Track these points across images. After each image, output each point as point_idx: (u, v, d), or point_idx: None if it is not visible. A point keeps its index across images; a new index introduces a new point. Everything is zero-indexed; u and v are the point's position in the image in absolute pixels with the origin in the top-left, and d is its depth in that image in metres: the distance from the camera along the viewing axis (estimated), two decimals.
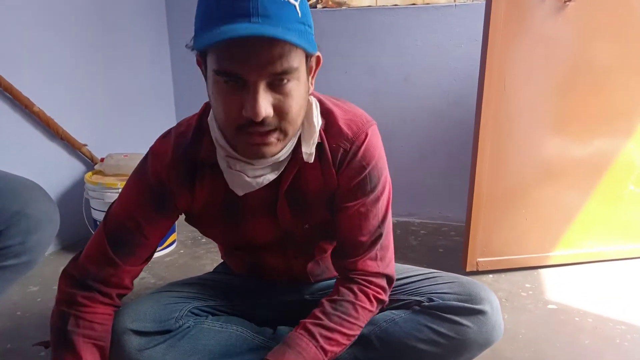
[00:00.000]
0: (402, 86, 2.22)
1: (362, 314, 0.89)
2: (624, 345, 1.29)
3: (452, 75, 2.14)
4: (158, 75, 2.46)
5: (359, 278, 0.91)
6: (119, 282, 0.89)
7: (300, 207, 0.94)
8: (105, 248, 0.88)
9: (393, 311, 0.98)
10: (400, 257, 1.16)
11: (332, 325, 0.86)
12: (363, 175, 0.89)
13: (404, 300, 0.99)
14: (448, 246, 2.03)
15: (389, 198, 0.94)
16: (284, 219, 0.94)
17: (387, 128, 2.25)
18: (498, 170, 1.65)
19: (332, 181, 0.90)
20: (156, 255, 1.90)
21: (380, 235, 0.92)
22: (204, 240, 2.10)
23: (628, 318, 1.42)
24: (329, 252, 1.07)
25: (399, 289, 1.02)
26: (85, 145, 2.00)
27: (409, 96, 2.22)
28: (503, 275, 1.73)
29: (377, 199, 0.91)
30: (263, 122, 0.73)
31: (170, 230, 0.94)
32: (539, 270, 1.76)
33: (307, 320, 0.87)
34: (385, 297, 0.93)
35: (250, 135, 0.75)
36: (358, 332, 0.89)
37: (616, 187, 1.75)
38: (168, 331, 0.92)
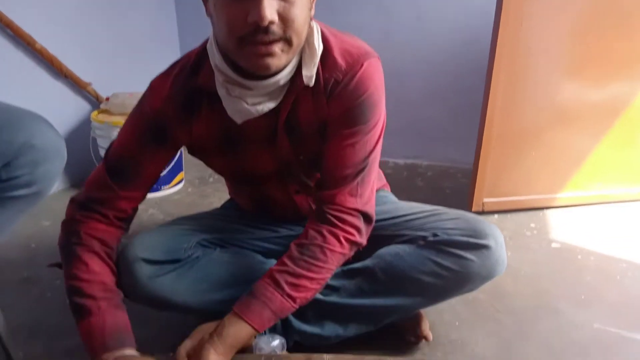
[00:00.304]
0: (415, 24, 2.14)
1: (330, 257, 0.86)
2: (624, 281, 1.31)
3: (466, 12, 2.05)
4: (162, 16, 2.39)
5: (332, 214, 0.87)
6: (116, 206, 0.90)
7: (297, 137, 0.93)
8: (104, 177, 0.90)
9: (398, 245, 0.99)
10: (406, 198, 1.16)
11: (298, 270, 0.84)
12: (354, 105, 0.86)
13: (409, 235, 1.00)
14: (454, 188, 2.04)
15: (380, 135, 0.91)
16: (282, 149, 0.93)
17: (398, 67, 2.20)
18: (510, 111, 1.62)
19: (322, 111, 0.89)
20: (164, 193, 1.93)
21: (363, 170, 0.89)
22: (211, 179, 2.12)
23: (630, 256, 1.44)
24: None
25: (405, 225, 1.03)
26: (90, 84, 1.97)
27: (422, 34, 2.14)
28: (508, 215, 1.74)
29: (367, 133, 0.88)
30: (267, 30, 0.72)
31: (170, 163, 0.95)
32: (545, 211, 1.77)
33: (274, 267, 0.86)
34: (358, 239, 0.89)
35: (254, 45, 0.74)
36: (328, 276, 0.87)
37: (630, 131, 1.72)
38: (177, 260, 0.94)
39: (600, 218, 1.72)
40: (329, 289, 0.99)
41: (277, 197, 1.05)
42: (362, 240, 0.91)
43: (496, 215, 1.72)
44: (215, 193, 1.95)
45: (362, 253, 1.01)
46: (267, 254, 1.08)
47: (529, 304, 1.20)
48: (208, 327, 0.93)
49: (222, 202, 1.25)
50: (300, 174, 0.99)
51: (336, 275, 1.02)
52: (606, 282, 1.31)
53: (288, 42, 0.76)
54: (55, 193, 1.93)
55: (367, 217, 0.91)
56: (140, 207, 1.81)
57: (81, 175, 2.05)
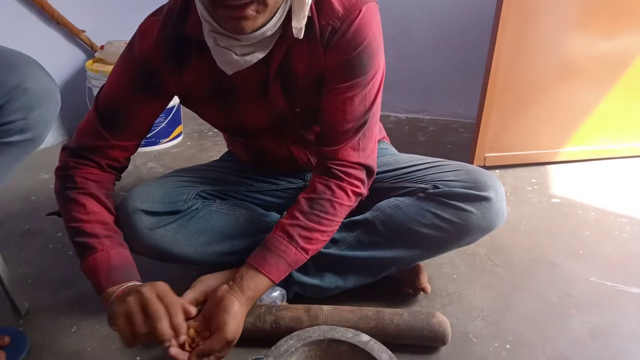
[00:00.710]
0: None
1: (339, 210, 0.88)
2: (622, 236, 1.32)
3: None
4: None
5: (337, 169, 0.87)
6: (109, 154, 0.89)
7: (291, 89, 0.90)
8: (95, 124, 0.88)
9: (398, 198, 0.99)
10: (408, 152, 1.14)
11: (310, 224, 0.85)
12: (352, 55, 0.83)
13: (409, 187, 0.99)
14: (457, 142, 2.02)
15: (380, 85, 0.89)
16: (275, 102, 0.91)
17: (401, 17, 2.12)
18: (515, 63, 1.57)
19: (319, 62, 0.86)
20: (163, 146, 1.91)
21: (365, 123, 0.87)
22: (210, 133, 2.10)
23: (630, 212, 1.44)
24: None
25: (405, 177, 1.02)
26: (84, 31, 1.91)
27: None
28: (510, 170, 1.73)
29: (367, 84, 0.86)
30: None
31: (161, 113, 0.92)
32: (547, 166, 1.76)
33: (285, 220, 0.86)
34: (363, 190, 0.90)
35: (227, 9, 0.72)
36: (336, 228, 0.89)
37: (636, 85, 1.69)
38: (177, 212, 0.94)
39: (602, 174, 1.72)
40: (329, 241, 1.00)
41: (274, 149, 1.04)
42: (365, 192, 0.91)
43: (498, 170, 1.71)
44: (214, 147, 1.93)
45: (361, 205, 1.01)
46: (267, 206, 1.08)
47: (526, 258, 1.21)
48: (209, 278, 0.95)
49: (221, 155, 1.24)
50: (296, 127, 0.97)
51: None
52: (604, 237, 1.31)
53: (262, 2, 0.72)
54: (54, 145, 1.91)
55: (369, 170, 0.91)
56: (139, 160, 1.81)
57: (57, 162, 2.02)
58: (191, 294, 0.90)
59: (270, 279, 0.83)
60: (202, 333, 0.79)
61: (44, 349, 0.90)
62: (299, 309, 0.92)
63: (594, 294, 1.08)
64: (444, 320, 0.90)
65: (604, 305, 1.04)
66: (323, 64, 0.85)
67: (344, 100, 0.85)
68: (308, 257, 0.87)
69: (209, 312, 0.81)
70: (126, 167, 0.94)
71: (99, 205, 0.86)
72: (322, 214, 0.86)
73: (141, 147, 1.89)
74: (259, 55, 0.82)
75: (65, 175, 0.88)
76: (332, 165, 0.88)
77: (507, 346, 0.92)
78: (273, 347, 0.75)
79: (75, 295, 1.05)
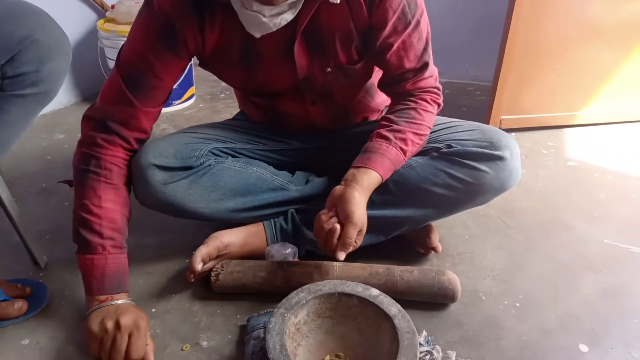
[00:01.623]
0: None
1: (426, 116, 0.93)
2: (638, 200, 1.30)
3: None
4: None
5: (412, 94, 0.95)
6: (137, 125, 0.88)
7: (321, 49, 0.89)
8: (121, 88, 0.86)
9: (411, 157, 0.98)
10: None
11: (402, 127, 0.90)
12: (400, 6, 0.86)
13: (423, 147, 0.98)
14: (472, 105, 1.98)
15: (425, 15, 0.93)
16: (302, 62, 0.90)
17: None
18: (536, 23, 1.52)
19: (361, 19, 0.87)
20: (176, 108, 1.91)
21: (427, 56, 0.93)
22: (222, 95, 2.08)
23: None
24: (348, 99, 1.04)
25: None
26: None
27: None
28: (526, 133, 1.70)
29: (418, 23, 0.90)
30: None
31: (184, 73, 0.91)
32: (564, 129, 1.73)
33: (377, 130, 0.91)
34: (441, 100, 0.98)
35: None
36: (427, 133, 0.94)
37: None
38: (190, 167, 0.94)
39: (621, 137, 1.68)
40: None
41: (292, 110, 1.03)
42: (441, 104, 0.99)
43: (513, 133, 1.68)
44: (226, 109, 1.93)
45: None
46: (279, 165, 1.07)
47: (539, 220, 1.20)
48: (221, 234, 0.96)
49: (234, 115, 1.23)
50: (322, 87, 0.96)
51: None
52: (620, 200, 1.29)
53: None
54: (68, 106, 1.93)
55: (439, 89, 0.98)
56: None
57: (92, 87, 2.03)
58: (204, 249, 0.91)
59: (379, 174, 0.87)
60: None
61: (63, 299, 0.93)
62: (310, 265, 0.93)
63: (607, 256, 1.07)
64: (453, 277, 0.91)
65: (616, 266, 1.03)
66: (367, 22, 0.87)
67: (404, 46, 0.90)
68: (406, 158, 0.91)
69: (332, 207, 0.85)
70: (149, 137, 0.94)
71: (117, 198, 0.86)
72: (410, 119, 0.92)
73: None
74: (288, 17, 0.81)
75: (89, 155, 0.86)
76: (408, 94, 0.95)
77: (517, 304, 0.93)
78: (284, 299, 0.76)
79: None
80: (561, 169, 1.47)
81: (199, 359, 0.80)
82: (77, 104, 1.95)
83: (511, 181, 0.94)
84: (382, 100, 1.13)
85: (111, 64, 1.86)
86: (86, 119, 0.90)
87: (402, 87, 0.95)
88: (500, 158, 0.92)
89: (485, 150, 0.92)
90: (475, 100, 2.04)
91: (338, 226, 0.81)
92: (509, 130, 1.67)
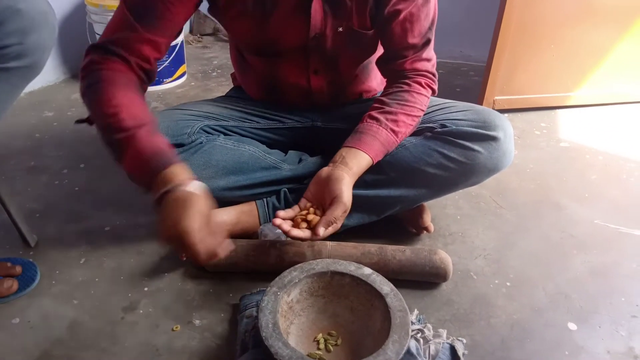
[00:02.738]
0: None
1: (418, 99, 0.93)
2: (629, 180, 1.31)
3: None
4: None
5: (408, 75, 0.94)
6: (139, 50, 0.81)
7: (337, 6, 0.89)
8: (125, 15, 0.81)
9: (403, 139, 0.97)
10: None
11: (394, 109, 0.90)
12: None
13: (416, 128, 0.98)
14: (466, 86, 1.97)
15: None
16: (316, 18, 0.89)
17: None
18: (531, 4, 1.51)
19: None
20: (167, 86, 1.88)
21: (430, 36, 0.93)
22: (214, 74, 2.06)
23: (639, 157, 1.42)
24: (350, 71, 1.03)
25: None
26: None
27: None
28: (519, 114, 1.69)
29: (428, 0, 0.90)
30: None
31: (194, 12, 0.87)
32: (557, 110, 1.73)
33: (369, 112, 0.91)
34: (435, 86, 0.97)
35: None
36: (419, 115, 0.94)
37: None
38: (181, 145, 0.93)
39: (614, 119, 1.68)
40: None
41: (292, 78, 1.01)
42: (436, 88, 0.98)
43: (507, 114, 1.68)
44: (218, 87, 1.90)
45: None
46: (271, 144, 1.07)
47: (531, 200, 1.21)
48: (213, 213, 0.95)
49: (227, 92, 1.21)
50: (329, 49, 0.95)
51: None
52: (611, 181, 1.30)
53: None
54: (56, 83, 1.89)
55: (435, 76, 0.98)
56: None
57: (80, 65, 1.98)
58: None
59: (369, 156, 0.87)
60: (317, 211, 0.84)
61: (54, 278, 0.92)
62: (303, 245, 0.93)
63: (597, 236, 1.08)
64: (445, 257, 0.91)
65: (606, 246, 1.05)
66: None
67: (411, 18, 0.90)
68: (398, 140, 0.91)
69: (317, 193, 0.85)
70: (154, 74, 0.87)
71: (128, 95, 0.78)
72: (403, 102, 0.92)
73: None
74: None
75: (89, 74, 0.80)
76: (403, 75, 0.94)
77: (508, 283, 0.94)
78: (277, 278, 0.76)
79: (83, 230, 1.06)
80: (553, 149, 1.47)
81: (192, 337, 0.80)
82: (65, 81, 1.91)
83: (504, 161, 0.94)
84: (378, 82, 1.12)
85: None
86: (87, 50, 0.83)
87: (400, 64, 0.94)
88: (493, 138, 0.91)
89: (479, 131, 0.91)
90: (469, 80, 2.03)
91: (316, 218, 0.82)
92: (502, 111, 1.67)
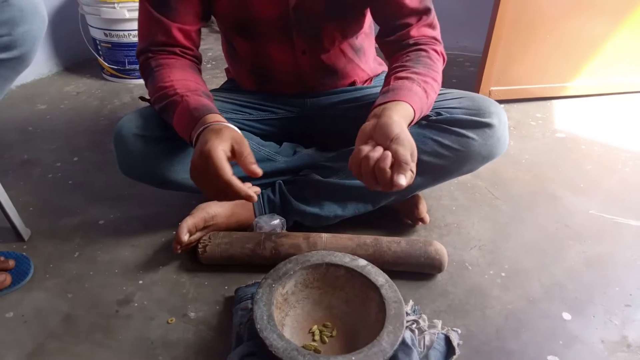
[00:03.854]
0: None
1: (436, 63, 0.88)
2: (624, 171, 1.31)
3: None
4: None
5: (421, 42, 0.90)
6: (178, 41, 0.90)
7: None
8: (149, 12, 0.88)
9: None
10: None
11: (421, 71, 0.84)
12: None
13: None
14: (462, 77, 1.96)
15: None
16: None
17: None
18: None
19: None
20: None
21: (429, 6, 0.91)
22: (209, 65, 2.04)
23: (634, 147, 1.42)
24: (340, 49, 1.02)
25: None
26: None
27: None
28: (515, 105, 1.69)
29: None
30: None
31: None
32: (553, 101, 1.72)
33: (394, 75, 0.84)
34: (445, 55, 0.93)
35: None
36: (440, 83, 0.88)
37: None
38: (174, 138, 0.91)
39: (610, 109, 1.68)
40: (328, 170, 0.99)
41: (280, 62, 1.00)
42: (446, 59, 0.94)
43: (503, 105, 1.66)
44: (212, 79, 1.89)
45: None
46: (265, 136, 1.06)
47: (526, 191, 1.21)
48: (208, 205, 0.95)
49: (221, 85, 1.20)
50: (312, 24, 0.94)
51: (335, 158, 1.01)
52: (606, 171, 1.30)
53: None
54: (49, 76, 1.87)
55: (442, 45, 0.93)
56: (137, 92, 1.77)
57: (73, 56, 1.97)
58: (191, 220, 0.91)
59: (411, 105, 0.76)
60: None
61: (47, 272, 0.92)
62: (298, 237, 0.92)
63: (592, 226, 1.08)
64: (440, 248, 0.91)
65: (601, 236, 1.05)
66: None
67: None
68: (428, 101, 0.82)
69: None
70: (201, 58, 0.96)
71: (185, 73, 0.87)
72: (428, 66, 0.86)
73: (139, 78, 1.86)
74: None
75: (147, 67, 0.89)
76: (414, 43, 0.90)
77: (502, 274, 0.94)
78: (272, 270, 0.76)
79: (77, 223, 1.06)
80: (549, 140, 1.47)
81: (187, 330, 0.80)
82: (58, 74, 1.90)
83: (499, 148, 0.94)
84: (371, 67, 1.11)
85: (94, 32, 1.80)
86: (138, 55, 0.93)
87: (406, 34, 0.90)
88: (488, 125, 0.91)
89: (474, 118, 0.91)
90: (464, 71, 2.02)
91: (389, 153, 0.67)
92: (498, 102, 1.65)
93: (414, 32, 0.90)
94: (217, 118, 0.79)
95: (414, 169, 0.68)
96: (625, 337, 0.80)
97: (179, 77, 0.86)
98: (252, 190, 0.73)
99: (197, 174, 0.74)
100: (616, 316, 0.84)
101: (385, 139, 0.69)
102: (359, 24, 1.01)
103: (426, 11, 0.91)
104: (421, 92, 0.80)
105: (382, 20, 0.94)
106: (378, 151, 0.68)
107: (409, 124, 0.76)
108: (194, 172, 0.74)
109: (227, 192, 0.72)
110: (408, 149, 0.68)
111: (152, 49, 0.90)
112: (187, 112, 0.80)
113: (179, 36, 0.90)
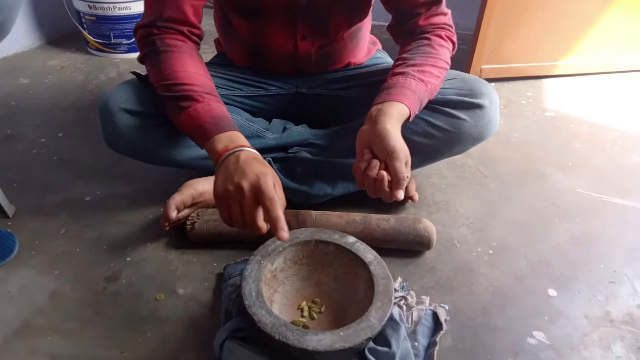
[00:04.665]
0: None
1: (440, 50, 0.89)
2: (613, 150, 1.32)
3: None
4: None
5: (427, 30, 0.91)
6: (185, 19, 0.85)
7: None
8: None
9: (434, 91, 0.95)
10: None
11: (418, 61, 0.85)
12: None
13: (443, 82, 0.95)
14: (453, 55, 1.94)
15: None
16: None
17: None
18: None
19: None
20: None
21: None
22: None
23: (623, 126, 1.43)
24: (339, 36, 1.00)
25: None
26: None
27: None
28: (506, 83, 1.68)
29: None
30: None
31: None
32: (544, 80, 1.72)
33: (392, 70, 0.86)
34: (455, 38, 0.94)
35: None
36: (445, 67, 0.89)
37: None
38: (161, 112, 0.90)
39: (600, 88, 1.68)
40: (318, 148, 0.98)
41: (278, 44, 0.98)
42: (456, 42, 0.95)
43: (493, 83, 1.67)
44: (202, 55, 1.84)
45: (353, 113, 0.98)
46: (255, 113, 1.04)
47: (515, 169, 1.22)
48: (196, 182, 0.94)
49: (210, 58, 1.18)
50: (319, 10, 0.92)
51: (326, 136, 1.00)
52: (595, 150, 1.31)
53: None
54: (32, 49, 1.82)
55: (453, 29, 0.94)
56: (123, 67, 1.74)
57: (56, 29, 1.92)
58: (178, 197, 0.90)
59: (404, 104, 0.79)
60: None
61: (33, 249, 0.91)
62: (287, 214, 0.91)
63: (579, 204, 1.09)
64: (429, 225, 0.91)
65: (588, 214, 1.06)
66: None
67: None
68: (428, 90, 0.84)
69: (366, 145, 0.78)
70: (202, 36, 0.91)
71: (196, 64, 0.83)
72: (426, 54, 0.87)
73: (126, 53, 1.82)
74: None
75: (149, 41, 0.84)
76: (420, 31, 0.91)
77: (490, 251, 0.95)
78: (260, 247, 0.76)
79: (63, 200, 1.04)
80: (539, 119, 1.47)
81: (176, 306, 0.80)
82: (41, 47, 1.85)
83: (490, 129, 0.94)
84: (366, 49, 1.10)
85: (77, 4, 1.75)
86: (136, 30, 0.87)
87: (414, 23, 0.91)
88: (479, 106, 0.91)
89: (465, 99, 0.90)
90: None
91: (385, 174, 0.74)
92: (489, 80, 1.66)
93: (422, 21, 0.91)
94: (247, 142, 0.75)
95: (409, 174, 0.75)
96: (609, 313, 0.82)
97: (192, 68, 0.82)
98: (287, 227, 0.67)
99: (233, 194, 0.66)
100: (600, 292, 0.86)
101: (383, 153, 0.75)
102: (365, 13, 0.99)
103: (436, 1, 0.90)
104: (416, 84, 0.82)
105: (394, 11, 0.94)
106: (376, 168, 0.75)
107: (407, 119, 0.81)
108: (229, 190, 0.67)
109: (256, 224, 0.66)
110: (403, 160, 0.74)
111: (158, 24, 0.84)
112: (211, 115, 0.76)
113: (189, 12, 0.85)
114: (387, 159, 0.74)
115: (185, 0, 0.85)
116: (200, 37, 0.91)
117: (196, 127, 0.77)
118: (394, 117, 0.77)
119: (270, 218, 0.65)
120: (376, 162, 0.75)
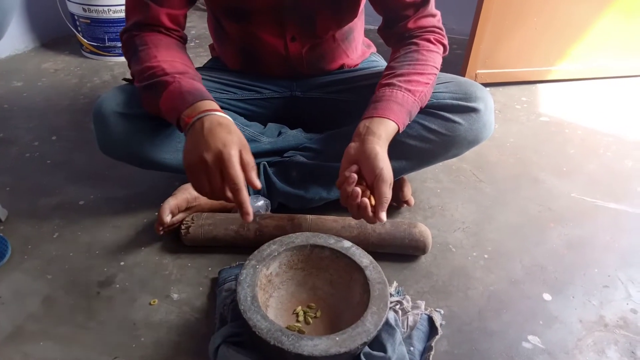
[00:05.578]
0: None
1: (429, 56, 0.88)
2: (606, 155, 1.32)
3: None
4: None
5: (414, 34, 0.91)
6: (163, 24, 0.87)
7: None
8: None
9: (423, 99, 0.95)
10: None
11: (405, 71, 0.85)
12: None
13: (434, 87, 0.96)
14: (448, 60, 1.92)
15: None
16: None
17: None
18: None
19: None
20: None
21: None
22: (192, 44, 2.00)
23: (617, 131, 1.44)
24: (328, 36, 1.00)
25: None
26: None
27: None
28: (500, 88, 1.69)
29: None
30: None
31: None
32: (538, 85, 1.73)
33: (380, 81, 0.86)
34: (445, 41, 0.93)
35: None
36: (434, 72, 0.88)
37: (638, 3, 1.62)
38: (155, 117, 0.90)
39: (594, 93, 1.69)
40: (313, 152, 0.98)
41: (269, 46, 0.98)
42: (447, 44, 0.94)
43: (488, 88, 1.66)
44: (196, 58, 1.85)
45: (348, 116, 0.98)
46: (250, 116, 1.04)
47: (510, 174, 1.22)
48: (190, 186, 0.93)
49: (204, 63, 1.17)
50: (306, 9, 0.91)
51: (321, 140, 1.00)
52: (589, 155, 1.32)
53: None
54: (25, 52, 1.81)
55: (443, 31, 0.94)
56: (117, 70, 1.73)
57: (50, 32, 1.91)
58: (173, 201, 0.89)
59: (392, 120, 0.80)
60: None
61: (26, 253, 0.90)
62: (282, 218, 0.92)
63: (574, 209, 1.09)
64: (425, 230, 0.91)
65: (582, 219, 1.06)
66: None
67: None
68: (417, 100, 0.84)
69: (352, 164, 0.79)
70: (185, 38, 0.93)
71: (173, 53, 0.84)
72: (413, 61, 0.87)
73: (120, 56, 1.81)
74: None
75: (131, 45, 0.86)
76: (409, 35, 0.91)
77: (485, 256, 0.95)
78: (256, 251, 0.75)
79: (56, 204, 1.03)
80: (533, 124, 1.48)
81: (170, 311, 0.79)
82: (35, 50, 1.84)
83: (484, 133, 0.94)
84: (360, 50, 1.09)
85: (72, 7, 1.74)
86: (121, 35, 0.89)
87: (404, 26, 0.91)
88: (474, 110, 0.91)
89: (460, 102, 0.91)
90: (451, 54, 2.00)
91: (367, 201, 0.75)
92: (484, 85, 1.65)
93: (410, 24, 0.90)
94: (215, 106, 0.75)
95: (390, 196, 0.76)
96: (603, 317, 0.82)
97: (167, 57, 0.82)
98: (252, 210, 0.69)
99: (199, 167, 0.69)
100: (594, 297, 0.86)
101: (371, 174, 0.76)
102: (354, 14, 0.99)
103: (424, 2, 0.90)
104: (402, 96, 0.83)
105: (382, 11, 0.94)
106: (359, 196, 0.75)
107: (397, 133, 0.82)
108: (195, 163, 0.69)
109: (224, 196, 0.69)
110: (388, 182, 0.76)
111: (138, 26, 0.86)
112: (179, 93, 0.76)
113: (166, 21, 0.87)
114: (375, 181, 0.76)
115: (161, 12, 0.86)
116: (182, 38, 0.91)
117: (168, 108, 0.78)
118: (382, 138, 0.78)
119: (235, 201, 0.68)
120: (358, 191, 0.75)
